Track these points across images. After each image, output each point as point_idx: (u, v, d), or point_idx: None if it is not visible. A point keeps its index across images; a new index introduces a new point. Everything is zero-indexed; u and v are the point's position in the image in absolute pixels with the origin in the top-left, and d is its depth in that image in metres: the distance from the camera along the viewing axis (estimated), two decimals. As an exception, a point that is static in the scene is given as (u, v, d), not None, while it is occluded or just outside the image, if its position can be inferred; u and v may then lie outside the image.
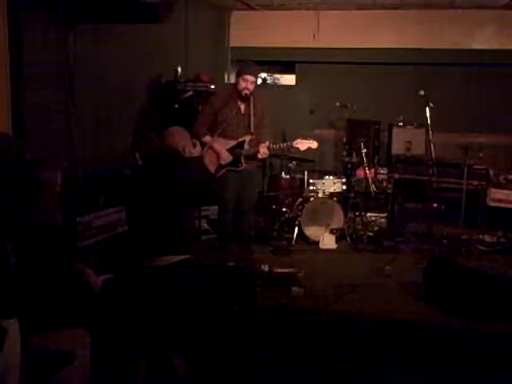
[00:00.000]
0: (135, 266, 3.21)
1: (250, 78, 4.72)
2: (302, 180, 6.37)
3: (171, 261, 3.16)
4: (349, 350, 3.64)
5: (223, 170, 4.84)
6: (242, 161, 4.84)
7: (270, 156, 6.36)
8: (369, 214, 6.28)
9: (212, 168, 4.78)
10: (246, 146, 4.84)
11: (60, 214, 2.77)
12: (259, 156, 4.85)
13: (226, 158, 4.81)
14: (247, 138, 4.83)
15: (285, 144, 5.08)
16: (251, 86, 4.73)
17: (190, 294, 3.16)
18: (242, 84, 4.72)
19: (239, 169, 4.86)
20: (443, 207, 6.11)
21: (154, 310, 3.08)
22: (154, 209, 3.25)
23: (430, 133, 5.71)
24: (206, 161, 4.80)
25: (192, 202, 3.39)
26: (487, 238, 5.86)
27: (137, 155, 5.23)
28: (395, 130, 7.48)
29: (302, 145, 4.99)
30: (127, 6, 4.19)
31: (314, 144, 5.01)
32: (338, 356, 3.62)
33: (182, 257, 3.19)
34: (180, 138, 3.47)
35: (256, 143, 4.84)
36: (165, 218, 3.24)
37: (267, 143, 4.86)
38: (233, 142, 4.84)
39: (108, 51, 5.19)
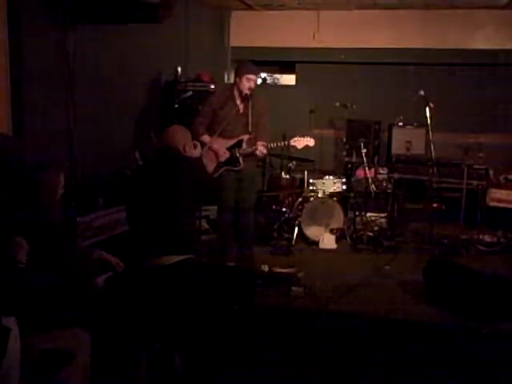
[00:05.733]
0: (136, 265, 3.21)
1: (253, 77, 4.74)
2: (302, 180, 6.37)
3: (172, 261, 3.16)
4: (349, 350, 3.64)
5: (222, 170, 4.85)
6: (241, 160, 4.84)
7: (270, 156, 6.39)
8: (369, 214, 6.28)
9: (211, 167, 4.80)
10: (244, 145, 4.85)
11: (60, 215, 2.77)
12: (257, 153, 4.85)
13: (224, 155, 4.82)
14: (245, 137, 4.84)
15: (282, 142, 5.09)
16: (254, 85, 4.75)
17: (190, 294, 3.16)
18: (246, 84, 4.72)
19: (238, 168, 4.86)
20: (443, 207, 6.11)
21: (155, 310, 3.08)
22: (154, 208, 3.25)
23: (430, 133, 5.71)
24: (205, 160, 4.81)
25: (192, 201, 3.39)
26: (487, 238, 5.85)
27: (137, 155, 5.23)
28: (395, 130, 7.48)
29: (299, 143, 5.00)
30: (127, 5, 4.19)
31: (311, 142, 5.01)
32: (338, 356, 3.62)
33: (184, 257, 3.19)
34: (181, 138, 3.47)
35: (254, 142, 4.85)
36: (165, 217, 3.24)
37: (265, 142, 4.87)
38: (231, 142, 4.85)
39: (108, 51, 5.20)
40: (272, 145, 4.96)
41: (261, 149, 4.82)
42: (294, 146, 5.08)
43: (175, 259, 3.16)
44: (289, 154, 6.15)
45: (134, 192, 3.42)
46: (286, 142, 5.07)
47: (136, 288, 3.13)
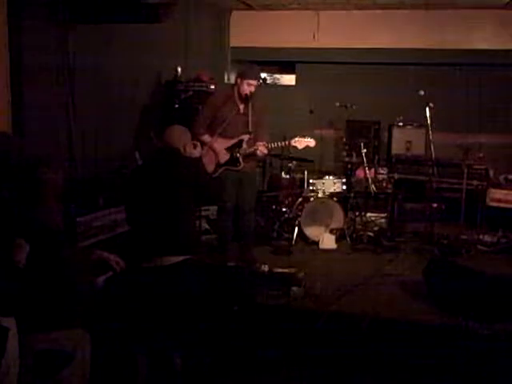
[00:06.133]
0: (136, 266, 3.21)
1: (254, 82, 4.78)
2: (302, 180, 6.37)
3: (172, 261, 3.16)
4: (349, 350, 3.64)
5: (222, 169, 4.87)
6: (241, 160, 4.86)
7: (270, 156, 6.39)
8: (369, 214, 6.28)
9: (211, 167, 4.82)
10: (244, 145, 4.86)
11: (60, 215, 2.77)
12: (258, 153, 4.87)
13: (225, 156, 4.83)
14: (245, 137, 4.85)
15: (283, 142, 5.10)
16: (253, 89, 4.78)
17: (190, 295, 3.16)
18: (246, 88, 4.76)
19: (238, 168, 4.87)
20: (443, 207, 6.11)
21: (155, 310, 3.08)
22: (154, 209, 3.25)
23: (430, 133, 5.72)
24: (205, 160, 4.82)
25: (192, 201, 3.39)
26: (487, 237, 5.85)
27: (137, 155, 5.23)
28: (395, 130, 7.49)
29: (300, 143, 5.01)
30: (127, 5, 4.20)
31: (311, 142, 5.03)
32: (338, 356, 3.62)
33: (184, 257, 3.19)
34: (181, 138, 3.47)
35: (254, 142, 4.86)
36: (165, 217, 3.24)
37: (265, 142, 4.88)
38: (231, 142, 4.86)
39: (108, 51, 5.19)
40: (273, 145, 4.97)
41: (261, 149, 4.84)
42: (294, 147, 5.10)
43: (175, 260, 3.16)
44: (289, 154, 6.15)
45: (133, 192, 3.42)
46: (287, 142, 5.08)
47: (136, 288, 3.12)
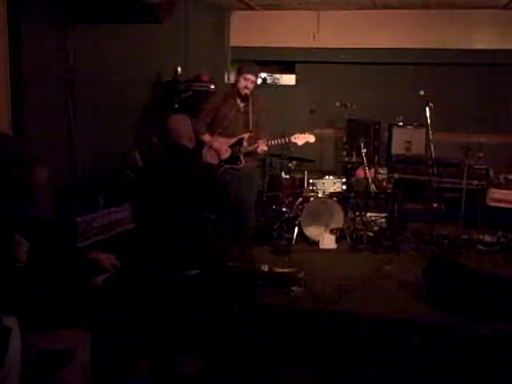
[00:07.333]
0: (137, 266, 3.20)
1: (251, 77, 4.77)
2: (302, 180, 6.37)
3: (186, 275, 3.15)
4: (349, 350, 3.64)
5: (223, 168, 4.88)
6: (242, 158, 4.87)
7: (270, 156, 6.39)
8: (369, 214, 6.28)
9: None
10: (244, 143, 4.87)
11: (51, 212, 2.75)
12: (259, 151, 4.88)
13: (226, 153, 4.85)
14: (246, 136, 4.86)
15: (283, 139, 5.10)
16: (251, 86, 4.78)
17: (190, 295, 3.16)
18: (243, 82, 4.76)
19: (239, 166, 4.88)
20: (443, 207, 6.11)
21: (155, 311, 3.08)
22: (171, 214, 3.22)
23: (430, 133, 5.72)
24: (207, 159, 4.84)
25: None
26: (487, 238, 5.85)
27: (137, 155, 5.23)
28: (395, 130, 7.49)
29: (300, 139, 5.04)
30: (127, 6, 4.19)
31: (311, 138, 5.05)
32: (338, 356, 3.62)
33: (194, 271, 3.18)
34: (186, 131, 3.42)
35: (254, 141, 4.87)
36: (182, 226, 3.20)
37: (265, 140, 4.89)
38: (232, 140, 4.88)
39: (108, 51, 5.19)
40: (273, 142, 4.99)
41: (262, 146, 4.87)
42: (294, 143, 5.11)
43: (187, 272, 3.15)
44: (289, 153, 6.15)
45: (149, 194, 3.34)
46: (287, 139, 5.08)
47: (136, 290, 3.12)
